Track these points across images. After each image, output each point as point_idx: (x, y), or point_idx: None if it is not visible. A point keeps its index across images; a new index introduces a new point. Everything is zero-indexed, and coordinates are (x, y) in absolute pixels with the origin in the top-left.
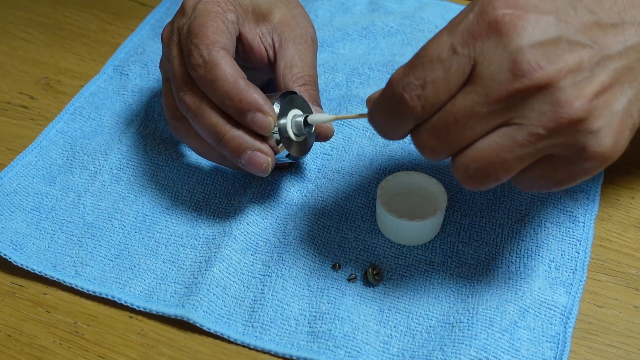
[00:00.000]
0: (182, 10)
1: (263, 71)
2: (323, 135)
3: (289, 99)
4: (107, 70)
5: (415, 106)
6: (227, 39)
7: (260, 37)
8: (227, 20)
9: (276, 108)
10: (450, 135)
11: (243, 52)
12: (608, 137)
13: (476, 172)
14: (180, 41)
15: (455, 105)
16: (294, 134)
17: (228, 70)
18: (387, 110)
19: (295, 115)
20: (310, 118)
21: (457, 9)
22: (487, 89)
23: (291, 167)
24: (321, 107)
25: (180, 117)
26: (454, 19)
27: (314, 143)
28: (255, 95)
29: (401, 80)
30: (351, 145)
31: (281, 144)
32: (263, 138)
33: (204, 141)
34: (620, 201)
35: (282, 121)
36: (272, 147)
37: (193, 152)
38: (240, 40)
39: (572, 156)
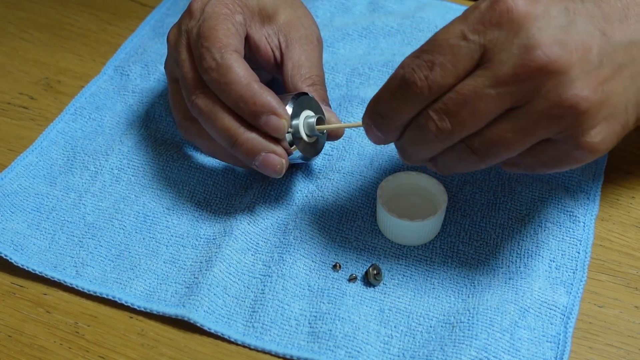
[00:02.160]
0: (189, 13)
1: (269, 72)
2: (334, 135)
3: (301, 100)
4: (107, 71)
5: (422, 86)
6: (237, 41)
7: (266, 38)
8: (236, 22)
9: (289, 109)
10: (461, 115)
11: (250, 53)
12: (601, 130)
13: (481, 149)
14: (190, 44)
15: (465, 86)
16: (306, 134)
17: (241, 73)
18: (394, 91)
19: (307, 116)
20: (319, 127)
21: (457, 9)
22: (497, 72)
23: (300, 167)
24: (330, 107)
25: (191, 118)
26: (466, 10)
27: None
28: (269, 98)
29: (410, 63)
30: (351, 145)
31: (293, 145)
32: (276, 140)
33: (216, 142)
34: (621, 201)
35: (294, 122)
36: (285, 149)
37: (196, 152)
38: (247, 41)
39: (565, 142)
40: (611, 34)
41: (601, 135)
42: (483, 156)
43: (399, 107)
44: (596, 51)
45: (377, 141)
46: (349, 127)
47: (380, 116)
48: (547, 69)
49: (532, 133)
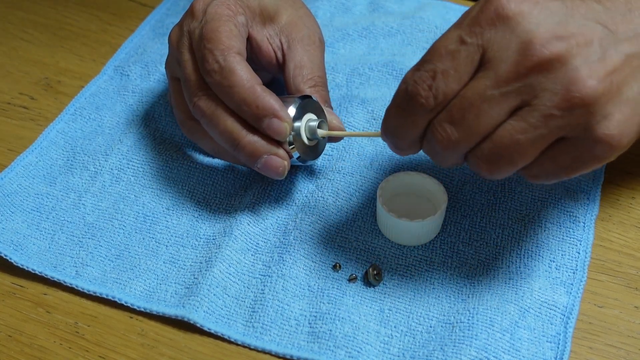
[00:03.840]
0: (191, 13)
1: (272, 72)
2: (335, 137)
3: (304, 104)
4: (107, 71)
5: (427, 97)
6: (240, 42)
7: (268, 39)
8: (238, 24)
9: (292, 112)
10: (466, 121)
11: (252, 54)
12: (618, 120)
13: (490, 155)
14: (192, 45)
15: (469, 90)
16: (307, 138)
17: (244, 76)
18: (400, 107)
19: (309, 119)
20: (320, 132)
21: (457, 9)
22: (498, 71)
23: (300, 168)
24: (332, 108)
25: (194, 118)
26: (461, 16)
27: None
28: (271, 101)
29: (412, 75)
30: (352, 145)
31: (294, 147)
32: (278, 142)
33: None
34: (621, 201)
35: (296, 125)
36: (286, 151)
37: (196, 152)
38: (249, 42)
39: (583, 139)
40: (614, 27)
41: (618, 126)
42: (495, 164)
43: (407, 122)
44: (597, 42)
45: (400, 154)
46: (352, 135)
47: (392, 133)
48: (548, 62)
49: (544, 131)
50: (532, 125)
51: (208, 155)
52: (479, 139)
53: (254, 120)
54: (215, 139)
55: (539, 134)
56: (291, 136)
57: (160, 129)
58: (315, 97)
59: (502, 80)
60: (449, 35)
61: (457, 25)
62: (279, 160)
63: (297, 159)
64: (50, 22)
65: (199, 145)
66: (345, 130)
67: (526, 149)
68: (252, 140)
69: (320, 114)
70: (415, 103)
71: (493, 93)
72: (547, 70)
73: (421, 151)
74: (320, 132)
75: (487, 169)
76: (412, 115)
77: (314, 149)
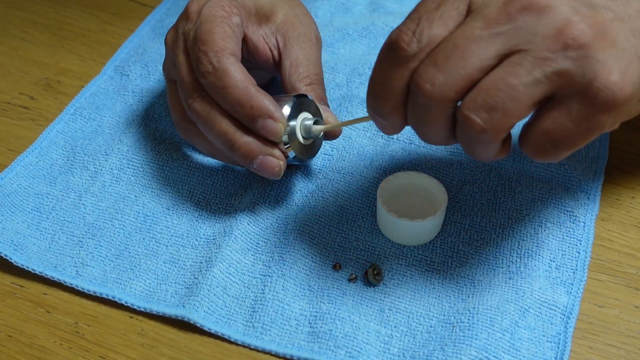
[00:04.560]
0: (186, 15)
1: (269, 71)
2: (331, 135)
3: (299, 102)
4: (107, 71)
5: (409, 41)
6: (234, 43)
7: (264, 38)
8: (232, 24)
9: (287, 111)
10: (452, 61)
11: (248, 54)
12: (617, 67)
13: (484, 104)
14: (187, 47)
15: (455, 33)
16: (303, 137)
17: (238, 77)
18: (383, 58)
19: (304, 118)
20: (315, 128)
21: None
22: (486, 13)
23: (300, 167)
24: (328, 106)
25: (190, 119)
26: None
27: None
28: (265, 101)
29: (397, 26)
30: (352, 145)
31: (289, 147)
32: (274, 142)
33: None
34: (621, 201)
35: (291, 123)
36: (282, 151)
37: (196, 152)
38: (245, 42)
39: (583, 91)
40: None
41: (618, 73)
42: (487, 116)
43: (388, 73)
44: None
45: (386, 130)
46: (344, 125)
47: (374, 96)
48: (537, 6)
49: (538, 76)
50: (526, 69)
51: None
52: (464, 83)
53: (248, 121)
54: (210, 140)
55: (534, 78)
56: (286, 136)
57: (160, 129)
58: (311, 95)
59: (490, 21)
60: None
61: None
62: (274, 161)
63: (294, 158)
64: (50, 22)
65: (195, 146)
66: (340, 129)
67: (521, 95)
68: (247, 141)
69: (316, 112)
70: (397, 49)
71: (481, 33)
72: (537, 14)
73: (421, 151)
74: (315, 129)
75: (479, 122)
76: (393, 64)
77: (310, 147)
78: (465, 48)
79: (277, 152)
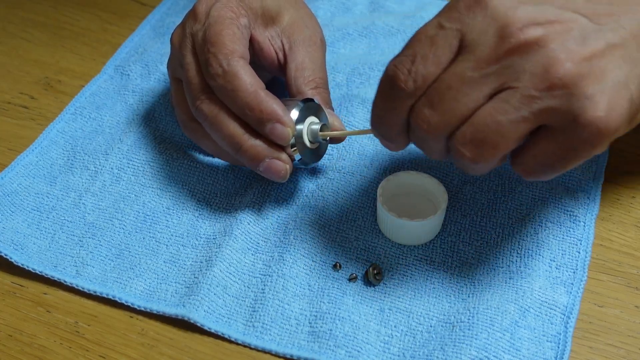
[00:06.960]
0: (194, 15)
1: (273, 73)
2: (336, 139)
3: (307, 107)
4: (107, 70)
5: (406, 80)
6: (243, 46)
7: (269, 40)
8: (241, 26)
9: (294, 115)
10: (444, 103)
11: (254, 55)
12: (603, 102)
13: (473, 139)
14: (195, 48)
15: (448, 73)
16: (309, 141)
17: (248, 80)
18: (383, 93)
19: (311, 122)
20: (322, 133)
21: None
22: (477, 54)
23: (299, 168)
24: (333, 109)
25: (197, 120)
26: (444, 6)
27: None
28: (274, 106)
29: (393, 61)
30: (352, 144)
31: (296, 150)
32: (281, 146)
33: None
34: (621, 201)
35: (298, 127)
36: (288, 155)
37: (196, 151)
38: (251, 43)
39: (569, 125)
40: (596, 19)
41: (604, 108)
42: (477, 148)
43: (389, 108)
44: (578, 30)
45: (391, 148)
46: (352, 134)
47: (378, 122)
48: (526, 45)
49: (525, 113)
50: (513, 106)
51: (208, 154)
52: (457, 122)
53: (257, 125)
54: (217, 142)
55: (520, 115)
56: (293, 139)
57: (161, 128)
58: (317, 99)
59: (481, 62)
60: (429, 22)
61: (438, 14)
62: (281, 164)
63: (299, 161)
64: (51, 21)
65: (200, 146)
66: (346, 130)
67: (508, 131)
68: (255, 144)
69: (321, 116)
70: (396, 87)
71: (472, 75)
72: (525, 53)
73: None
74: (321, 134)
75: (469, 155)
76: (393, 100)
77: (316, 151)
78: (457, 89)
79: (284, 155)
